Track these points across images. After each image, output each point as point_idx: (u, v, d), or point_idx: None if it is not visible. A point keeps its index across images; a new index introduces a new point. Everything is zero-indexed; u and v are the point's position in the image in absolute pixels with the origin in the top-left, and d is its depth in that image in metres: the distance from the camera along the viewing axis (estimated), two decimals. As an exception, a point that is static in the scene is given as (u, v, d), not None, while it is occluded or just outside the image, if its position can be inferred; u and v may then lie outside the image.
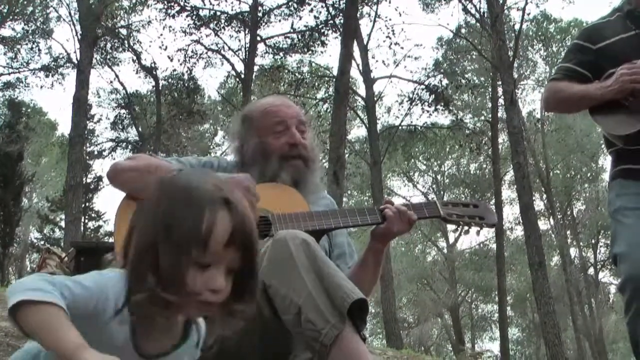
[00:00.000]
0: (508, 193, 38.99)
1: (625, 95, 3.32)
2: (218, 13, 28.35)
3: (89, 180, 34.71)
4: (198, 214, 1.57)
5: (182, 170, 2.00)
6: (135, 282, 1.57)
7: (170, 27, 29.55)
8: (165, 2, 28.17)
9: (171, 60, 30.07)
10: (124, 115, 34.72)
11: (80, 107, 24.78)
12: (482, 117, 35.54)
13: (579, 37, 3.73)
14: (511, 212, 41.34)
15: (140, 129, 34.52)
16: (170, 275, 1.55)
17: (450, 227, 3.17)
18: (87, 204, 34.50)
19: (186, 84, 30.58)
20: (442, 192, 41.84)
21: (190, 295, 1.57)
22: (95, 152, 35.87)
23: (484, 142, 31.23)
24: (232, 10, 28.29)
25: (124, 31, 31.81)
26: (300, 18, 28.37)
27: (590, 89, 3.47)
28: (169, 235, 1.56)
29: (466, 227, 3.10)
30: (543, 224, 36.76)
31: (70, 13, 29.51)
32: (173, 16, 28.28)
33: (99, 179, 35.25)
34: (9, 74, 32.56)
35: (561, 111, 4.11)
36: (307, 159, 3.13)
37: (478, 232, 3.13)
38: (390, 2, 31.82)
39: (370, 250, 2.98)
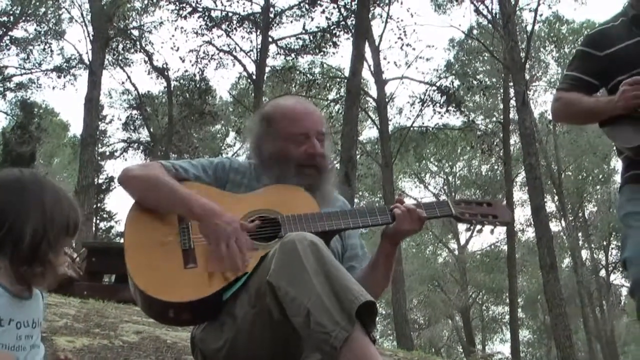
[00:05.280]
0: (519, 194, 38.98)
1: (634, 109, 3.30)
2: (230, 14, 28.46)
3: (100, 181, 34.89)
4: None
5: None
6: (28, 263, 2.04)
7: (182, 28, 29.63)
8: (177, 3, 28.29)
9: (183, 61, 30.26)
10: (136, 116, 34.86)
11: (92, 107, 24.90)
12: (494, 119, 35.54)
13: (584, 44, 3.67)
14: (522, 214, 41.27)
15: (151, 130, 34.64)
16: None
17: (462, 227, 3.10)
18: (98, 205, 34.68)
19: (198, 85, 30.67)
20: (453, 194, 41.78)
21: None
22: (107, 153, 36.05)
23: (495, 143, 31.17)
24: (243, 11, 28.42)
25: (135, 32, 31.96)
26: (312, 19, 28.55)
27: (599, 105, 3.44)
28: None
29: (479, 226, 3.05)
30: (554, 226, 36.79)
31: (82, 14, 29.73)
32: (185, 17, 28.42)
33: (111, 179, 35.40)
34: (21, 74, 32.80)
35: (570, 123, 4.12)
36: (321, 169, 3.09)
37: (492, 231, 3.06)
38: (402, 3, 32.02)
39: (381, 252, 2.96)
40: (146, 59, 31.95)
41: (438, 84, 29.69)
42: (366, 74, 27.57)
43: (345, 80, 23.39)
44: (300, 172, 3.04)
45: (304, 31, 28.93)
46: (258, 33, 28.56)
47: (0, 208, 2.02)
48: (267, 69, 29.20)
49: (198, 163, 3.12)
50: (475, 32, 33.03)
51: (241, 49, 29.40)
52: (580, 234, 40.51)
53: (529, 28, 27.32)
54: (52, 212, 2.07)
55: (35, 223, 2.03)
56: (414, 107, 29.89)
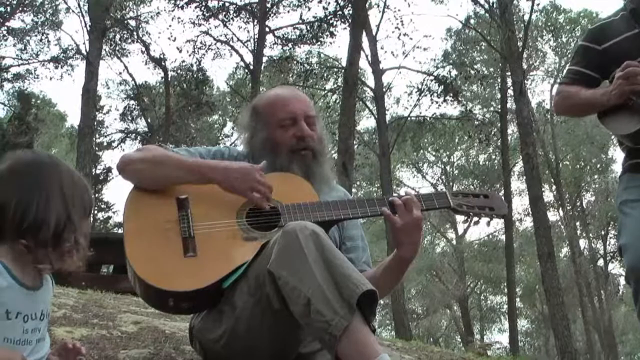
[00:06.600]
0: (517, 184, 38.97)
1: (628, 97, 3.31)
2: (227, 4, 28.41)
3: (98, 172, 34.86)
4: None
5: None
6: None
7: (179, 18, 29.56)
8: (174, -7, 28.20)
9: (180, 51, 30.25)
10: (133, 107, 34.83)
11: (90, 98, 24.86)
12: (492, 108, 35.49)
13: (585, 39, 3.74)
14: (520, 204, 41.30)
15: (149, 120, 34.63)
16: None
17: (460, 217, 3.11)
18: (96, 195, 34.63)
19: (195, 75, 30.61)
20: (451, 183, 41.85)
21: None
22: (105, 144, 36.01)
23: (493, 133, 31.15)
24: (240, 1, 28.34)
25: (132, 22, 31.85)
26: (309, 9, 28.35)
27: (597, 96, 3.49)
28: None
29: (476, 218, 3.06)
30: (552, 215, 36.77)
31: (79, 4, 29.61)
32: (182, 7, 28.32)
33: (109, 170, 35.37)
34: (18, 65, 32.69)
35: (571, 116, 4.15)
36: (315, 151, 3.08)
37: (488, 223, 3.10)
38: (399, -7, 31.86)
39: (395, 259, 2.94)
40: (143, 49, 31.88)
41: (435, 74, 29.68)
42: (363, 63, 27.56)
43: (343, 70, 23.38)
44: (293, 157, 3.04)
45: (301, 21, 28.89)
46: (255, 23, 28.51)
47: (21, 192, 2.01)
48: (264, 59, 29.18)
49: (195, 150, 3.12)
50: (472, 21, 32.99)
51: (238, 39, 29.39)
52: (578, 224, 40.57)
53: (526, 17, 27.24)
54: (72, 193, 2.10)
55: (57, 205, 2.04)
56: (411, 97, 29.94)
